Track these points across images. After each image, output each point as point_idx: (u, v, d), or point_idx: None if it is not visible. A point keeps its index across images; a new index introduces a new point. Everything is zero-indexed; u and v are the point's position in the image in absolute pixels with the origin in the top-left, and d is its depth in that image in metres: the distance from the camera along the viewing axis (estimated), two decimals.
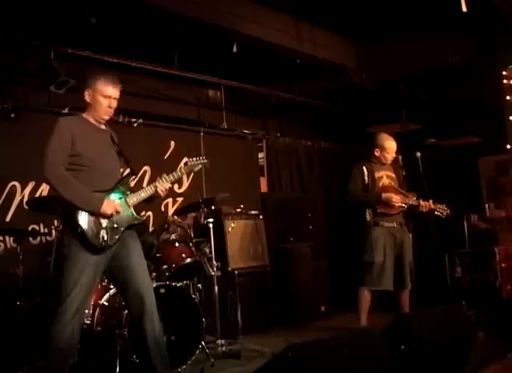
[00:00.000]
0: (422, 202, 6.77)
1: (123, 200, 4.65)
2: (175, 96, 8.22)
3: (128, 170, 4.91)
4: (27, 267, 5.79)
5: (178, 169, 5.04)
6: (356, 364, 3.38)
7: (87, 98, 4.70)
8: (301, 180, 9.81)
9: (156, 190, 4.78)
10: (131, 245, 4.71)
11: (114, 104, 4.71)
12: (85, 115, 4.75)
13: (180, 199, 8.08)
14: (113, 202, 4.55)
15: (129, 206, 4.68)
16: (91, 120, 4.73)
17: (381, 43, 8.08)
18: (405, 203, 6.81)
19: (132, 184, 4.97)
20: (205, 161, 5.20)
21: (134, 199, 4.71)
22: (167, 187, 4.84)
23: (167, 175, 4.92)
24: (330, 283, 8.87)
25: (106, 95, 4.65)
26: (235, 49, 7.06)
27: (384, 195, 6.74)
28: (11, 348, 5.65)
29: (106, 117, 4.76)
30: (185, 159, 7.90)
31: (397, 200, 6.74)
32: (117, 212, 4.54)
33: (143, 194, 4.76)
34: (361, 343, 3.60)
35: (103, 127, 4.83)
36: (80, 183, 4.47)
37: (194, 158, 5.17)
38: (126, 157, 4.88)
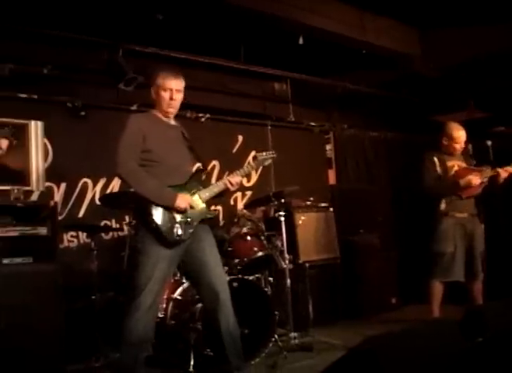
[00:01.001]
0: (499, 169, 6.64)
1: (196, 194, 4.70)
2: (241, 90, 8.23)
3: (199, 165, 4.96)
4: (100, 262, 5.92)
5: (248, 164, 5.10)
6: (432, 356, 3.33)
7: (152, 94, 4.78)
8: (368, 171, 9.74)
9: (228, 185, 4.81)
10: (204, 239, 4.74)
11: (177, 96, 4.75)
12: (155, 111, 4.82)
13: (249, 193, 8.12)
14: (187, 196, 4.60)
15: (202, 201, 4.72)
16: (160, 116, 4.80)
17: (444, 30, 7.92)
18: (486, 177, 6.69)
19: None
20: (274, 155, 5.21)
21: (206, 194, 4.75)
22: (239, 182, 4.87)
23: (238, 169, 4.95)
24: (398, 274, 8.80)
25: (166, 87, 4.71)
26: (301, 41, 7.02)
27: (462, 181, 6.61)
28: (86, 342, 5.79)
29: (170, 110, 4.79)
30: (253, 153, 8.01)
31: (476, 179, 6.61)
32: (191, 207, 4.58)
33: (215, 189, 4.80)
34: (437, 335, 3.55)
35: (173, 122, 4.88)
36: (153, 177, 4.52)
37: (264, 153, 5.20)
38: (197, 152, 4.92)
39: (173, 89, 4.72)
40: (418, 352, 3.28)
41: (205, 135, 7.36)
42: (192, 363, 5.33)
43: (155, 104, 4.82)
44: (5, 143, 4.02)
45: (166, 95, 4.71)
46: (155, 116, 4.80)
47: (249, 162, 5.13)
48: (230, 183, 4.80)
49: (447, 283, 6.86)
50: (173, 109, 4.81)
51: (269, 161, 5.22)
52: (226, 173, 7.32)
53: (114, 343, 5.50)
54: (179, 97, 4.77)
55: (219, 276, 4.75)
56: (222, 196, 5.03)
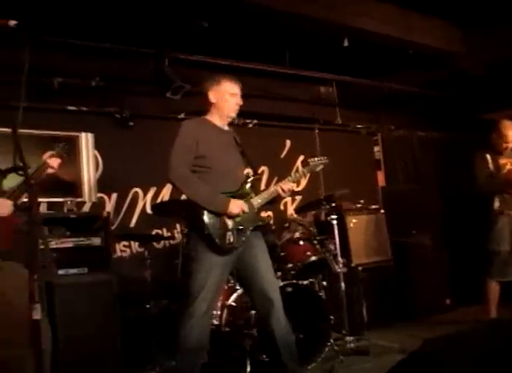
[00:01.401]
0: None
1: (248, 201, 4.68)
2: (288, 95, 8.23)
3: (251, 171, 4.95)
4: (153, 271, 5.95)
5: (300, 170, 5.08)
6: (493, 357, 3.27)
7: (212, 99, 4.76)
8: (416, 171, 9.65)
9: (280, 191, 4.79)
10: (256, 246, 4.73)
11: (240, 101, 4.80)
12: (208, 117, 4.82)
13: (298, 197, 8.11)
14: (240, 202, 4.59)
15: (254, 207, 4.70)
16: (214, 121, 4.80)
17: (488, 27, 7.81)
18: None
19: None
20: (326, 160, 5.18)
21: (258, 200, 4.73)
22: (290, 188, 4.84)
23: (289, 175, 4.94)
24: (451, 275, 8.68)
25: (232, 93, 4.74)
26: (346, 43, 6.99)
27: None
28: (141, 350, 5.81)
29: (233, 115, 4.84)
30: (301, 157, 8.01)
31: None
32: (244, 212, 4.57)
33: (267, 195, 4.79)
34: (497, 335, 3.48)
35: (226, 128, 4.89)
36: (205, 184, 4.53)
37: (316, 158, 5.16)
38: (248, 157, 4.92)
39: (237, 94, 4.77)
40: (478, 353, 3.22)
41: (252, 141, 7.33)
42: (249, 369, 5.31)
43: (210, 109, 4.82)
44: (57, 162, 4.05)
45: (232, 100, 4.75)
46: (208, 122, 4.79)
47: (300, 168, 5.08)
48: (282, 189, 4.78)
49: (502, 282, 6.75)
50: (235, 114, 4.85)
51: (321, 166, 5.19)
52: (275, 179, 7.36)
53: (169, 351, 5.53)
54: (241, 102, 4.82)
55: (271, 282, 4.73)
56: (274, 203, 5.01)
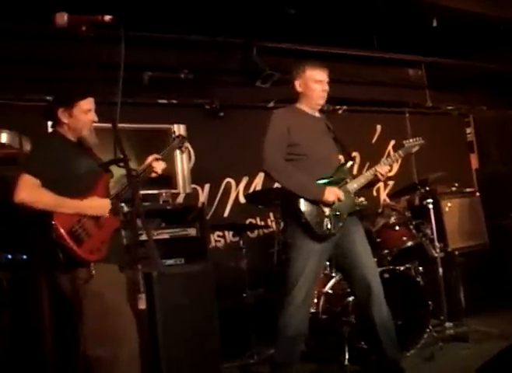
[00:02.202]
0: None
1: (344, 186, 4.63)
2: (376, 79, 8.14)
3: (345, 156, 4.91)
4: (248, 260, 5.98)
5: (395, 152, 4.98)
6: None
7: (298, 88, 4.73)
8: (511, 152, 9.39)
9: (376, 175, 4.73)
10: (355, 232, 4.68)
11: (327, 87, 4.73)
12: (298, 105, 4.79)
13: (391, 182, 8.02)
14: (335, 189, 4.54)
15: (350, 192, 4.65)
16: (305, 109, 4.77)
17: None
18: None
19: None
20: (422, 141, 5.09)
21: (354, 185, 4.68)
22: (387, 171, 4.77)
23: (385, 158, 4.87)
24: None
25: (317, 79, 4.69)
26: (435, 23, 6.85)
27: None
28: (239, 339, 5.86)
29: (321, 101, 4.78)
30: (393, 142, 7.92)
31: None
32: (339, 199, 4.53)
33: (363, 180, 4.72)
34: None
35: (317, 114, 4.85)
36: (300, 171, 4.50)
37: (411, 140, 5.08)
38: (342, 143, 4.87)
39: (323, 81, 4.71)
40: None
41: (343, 127, 7.24)
42: (347, 356, 5.29)
43: (299, 97, 4.78)
44: (161, 166, 4.08)
45: (318, 86, 4.69)
46: (299, 110, 4.77)
47: (392, 152, 4.99)
48: (379, 172, 4.72)
49: None
50: (324, 101, 4.79)
51: (417, 148, 5.09)
52: (367, 164, 7.28)
53: (267, 340, 5.55)
54: (328, 88, 4.75)
55: (372, 268, 4.68)
56: (372, 187, 4.96)
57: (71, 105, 3.83)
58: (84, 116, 3.85)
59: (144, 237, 3.12)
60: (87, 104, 3.87)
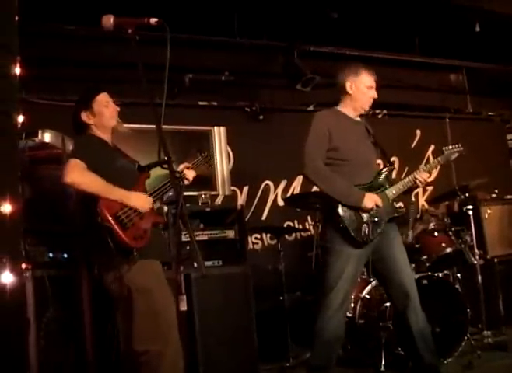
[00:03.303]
0: None
1: (383, 192, 4.62)
2: (417, 83, 8.09)
3: (385, 161, 4.89)
4: (286, 263, 5.98)
5: (435, 159, 4.96)
6: None
7: (349, 89, 4.69)
8: None
9: (415, 181, 4.71)
10: (393, 238, 4.66)
11: (375, 95, 4.73)
12: (340, 108, 4.77)
13: (429, 188, 7.96)
14: (374, 195, 4.52)
15: (389, 199, 4.63)
16: (347, 112, 4.74)
17: None
18: None
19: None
20: (461, 148, 5.06)
21: (393, 191, 4.65)
22: (426, 178, 4.75)
23: (424, 165, 4.85)
24: None
25: (369, 85, 4.68)
26: (478, 28, 6.80)
27: None
28: (276, 342, 5.86)
29: (367, 108, 4.78)
30: (432, 147, 7.87)
31: None
32: (378, 206, 4.51)
33: (401, 186, 4.69)
34: None
35: (358, 119, 4.83)
36: (340, 176, 4.49)
37: (451, 146, 5.05)
38: (382, 148, 4.85)
39: (373, 87, 4.71)
40: None
41: (382, 131, 7.20)
42: (383, 362, 5.27)
43: (343, 100, 4.75)
44: (192, 174, 4.12)
45: (369, 92, 4.69)
46: (340, 113, 4.75)
47: (431, 159, 4.96)
48: (418, 179, 4.70)
49: None
50: (368, 107, 4.80)
51: (456, 155, 5.06)
52: (406, 169, 7.24)
53: (304, 343, 5.55)
54: (376, 96, 4.76)
55: (409, 274, 4.67)
56: (411, 193, 4.93)
57: (90, 103, 3.90)
58: (105, 109, 3.93)
59: (186, 238, 3.14)
60: (104, 97, 3.95)
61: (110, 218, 3.55)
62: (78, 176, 3.60)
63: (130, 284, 3.65)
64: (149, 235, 3.73)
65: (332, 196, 4.45)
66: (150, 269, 3.75)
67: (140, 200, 3.75)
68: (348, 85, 4.69)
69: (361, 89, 4.67)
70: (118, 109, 4.00)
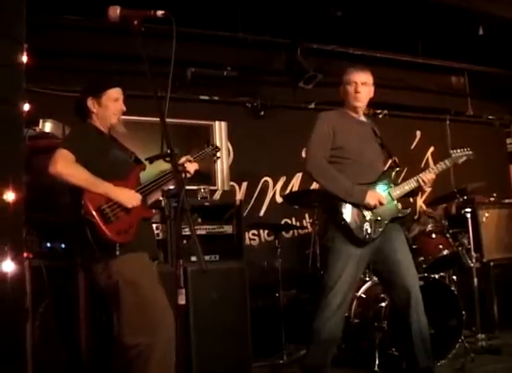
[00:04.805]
0: None
1: (387, 192, 4.61)
2: (419, 85, 8.07)
3: (391, 162, 4.89)
4: (282, 260, 5.97)
5: (442, 161, 4.96)
6: None
7: (341, 93, 4.74)
8: None
9: (420, 182, 4.70)
10: (396, 238, 4.65)
11: (361, 89, 4.66)
12: (345, 109, 4.77)
13: (428, 190, 7.92)
14: (377, 193, 4.53)
15: (393, 198, 4.62)
16: (350, 113, 4.75)
17: None
18: None
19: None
20: (470, 153, 5.06)
21: (397, 191, 4.65)
22: (431, 179, 4.75)
23: (430, 167, 4.89)
24: None
25: (350, 81, 4.65)
26: (481, 31, 6.80)
27: None
28: (270, 339, 5.85)
29: (357, 104, 4.71)
30: (431, 149, 7.87)
31: None
32: (381, 204, 4.50)
33: (407, 187, 4.69)
34: None
35: (363, 119, 4.83)
36: (343, 175, 4.49)
37: (459, 150, 5.06)
38: (389, 148, 4.84)
39: (357, 82, 4.65)
40: None
41: (382, 131, 7.23)
42: (377, 362, 5.26)
43: (343, 102, 4.77)
44: (193, 167, 4.10)
45: (350, 88, 4.66)
46: (346, 113, 4.76)
47: (432, 163, 4.95)
48: (423, 180, 4.69)
49: None
50: (360, 103, 4.72)
51: (464, 159, 5.07)
52: (405, 170, 7.22)
53: (298, 341, 5.54)
54: (364, 90, 4.68)
55: (413, 276, 4.64)
56: (416, 195, 4.92)
57: (100, 94, 3.88)
58: (113, 104, 3.91)
59: (185, 232, 3.12)
60: (116, 93, 3.93)
61: (92, 211, 3.53)
62: (64, 167, 3.57)
63: (118, 277, 3.63)
64: (134, 229, 3.70)
65: (334, 193, 4.45)
66: (138, 262, 3.73)
67: (126, 196, 3.72)
68: (340, 88, 4.74)
69: (345, 88, 4.70)
70: (124, 109, 3.98)
